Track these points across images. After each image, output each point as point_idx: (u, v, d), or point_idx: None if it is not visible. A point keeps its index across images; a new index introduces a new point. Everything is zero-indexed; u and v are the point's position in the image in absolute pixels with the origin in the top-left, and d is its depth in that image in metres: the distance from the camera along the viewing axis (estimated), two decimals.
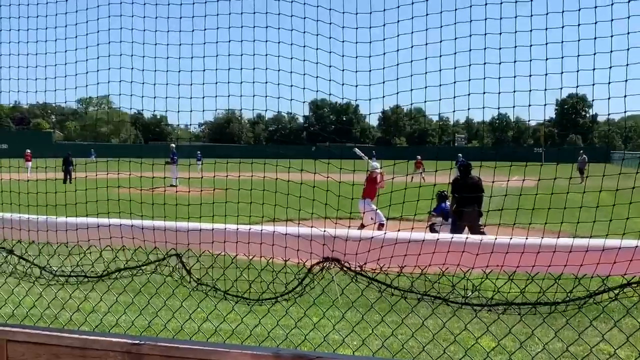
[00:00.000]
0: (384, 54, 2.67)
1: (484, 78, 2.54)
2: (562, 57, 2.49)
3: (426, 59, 2.60)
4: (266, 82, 2.88)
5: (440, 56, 2.57)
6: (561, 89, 2.55)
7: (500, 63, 2.52)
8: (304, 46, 2.77)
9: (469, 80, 2.55)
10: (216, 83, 2.99)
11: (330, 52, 2.72)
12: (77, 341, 2.56)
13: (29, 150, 37.90)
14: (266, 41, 2.85)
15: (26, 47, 3.32)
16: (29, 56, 3.32)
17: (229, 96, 3.02)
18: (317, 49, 2.74)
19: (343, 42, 2.70)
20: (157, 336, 3.01)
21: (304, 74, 2.81)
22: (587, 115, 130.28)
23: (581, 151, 41.02)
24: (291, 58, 2.81)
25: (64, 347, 2.56)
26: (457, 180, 12.85)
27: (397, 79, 2.69)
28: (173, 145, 31.96)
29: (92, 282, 3.37)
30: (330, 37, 2.70)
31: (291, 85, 2.85)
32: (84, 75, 3.20)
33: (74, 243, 3.24)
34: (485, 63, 2.50)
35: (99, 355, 2.53)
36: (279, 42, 2.85)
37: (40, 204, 3.45)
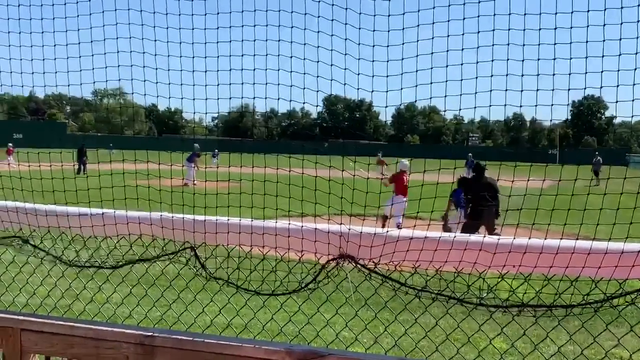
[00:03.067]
0: (403, 44, 2.61)
1: (507, 74, 2.50)
2: (577, 57, 2.45)
3: (447, 51, 2.55)
4: (281, 70, 2.79)
5: (463, 49, 2.53)
6: (584, 88, 2.51)
7: (523, 60, 2.48)
8: (318, 32, 2.67)
9: (491, 75, 2.51)
10: (230, 70, 2.88)
11: (345, 40, 2.63)
12: (91, 332, 2.56)
13: (11, 144, 37.94)
14: (279, 25, 2.77)
15: (41, 38, 3.27)
16: (44, 47, 3.24)
17: (242, 84, 2.90)
18: (331, 35, 2.65)
19: (359, 29, 2.61)
20: (170, 328, 3.01)
21: (317, 61, 2.71)
22: (603, 117, 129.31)
23: (596, 153, 40.74)
24: (304, 44, 2.72)
25: (78, 337, 2.57)
26: (470, 181, 12.77)
27: (417, 70, 2.62)
28: (197, 145, 31.28)
29: (106, 274, 3.38)
30: (345, 24, 2.61)
31: (304, 73, 2.75)
32: (99, 61, 3.10)
33: (89, 234, 3.24)
34: (508, 59, 2.47)
35: (112, 346, 2.53)
36: (291, 27, 2.73)
37: (56, 194, 3.45)
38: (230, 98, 3.02)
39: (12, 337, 2.62)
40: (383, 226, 12.56)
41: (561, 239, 2.63)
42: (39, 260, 3.62)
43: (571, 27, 2.43)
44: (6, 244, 3.52)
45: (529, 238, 2.62)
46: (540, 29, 2.44)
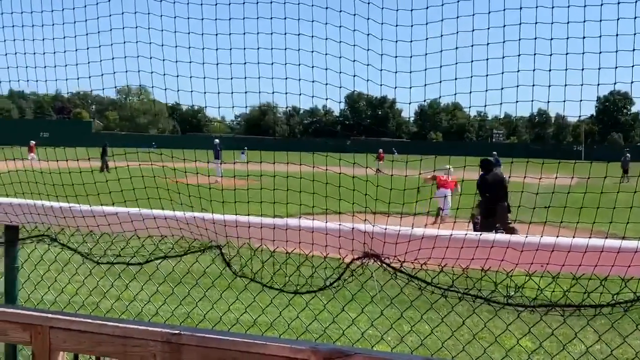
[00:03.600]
0: (426, 39, 2.56)
1: (534, 69, 2.46)
2: (606, 51, 2.40)
3: (472, 45, 2.51)
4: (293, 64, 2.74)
5: (488, 44, 2.49)
6: (614, 84, 2.46)
7: (551, 55, 2.44)
8: (340, 26, 2.63)
9: (518, 71, 2.47)
10: (244, 63, 2.83)
11: (368, 35, 2.59)
12: (118, 329, 2.58)
13: (33, 142, 37.60)
14: (298, 19, 2.72)
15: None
16: (54, 40, 3.18)
17: (259, 78, 2.86)
18: (354, 30, 2.61)
19: (382, 24, 2.56)
20: (196, 326, 3.03)
21: (340, 57, 2.66)
22: (629, 112, 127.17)
23: (626, 150, 40.14)
24: (326, 39, 2.67)
25: (105, 335, 2.58)
26: (481, 178, 12.64)
27: (441, 66, 2.58)
28: (217, 140, 31.60)
29: (133, 272, 3.40)
30: (368, 19, 2.57)
31: (326, 69, 2.71)
32: (106, 53, 3.03)
33: (118, 232, 3.27)
34: (535, 54, 2.43)
35: (139, 344, 2.54)
36: (312, 21, 2.69)
37: (80, 191, 3.48)
38: (245, 92, 2.95)
39: (41, 335, 2.65)
40: (436, 220, 12.72)
41: (590, 237, 2.58)
42: (67, 258, 3.66)
43: (600, 20, 2.39)
44: (35, 241, 3.57)
45: (557, 236, 2.58)
46: (568, 22, 2.39)
